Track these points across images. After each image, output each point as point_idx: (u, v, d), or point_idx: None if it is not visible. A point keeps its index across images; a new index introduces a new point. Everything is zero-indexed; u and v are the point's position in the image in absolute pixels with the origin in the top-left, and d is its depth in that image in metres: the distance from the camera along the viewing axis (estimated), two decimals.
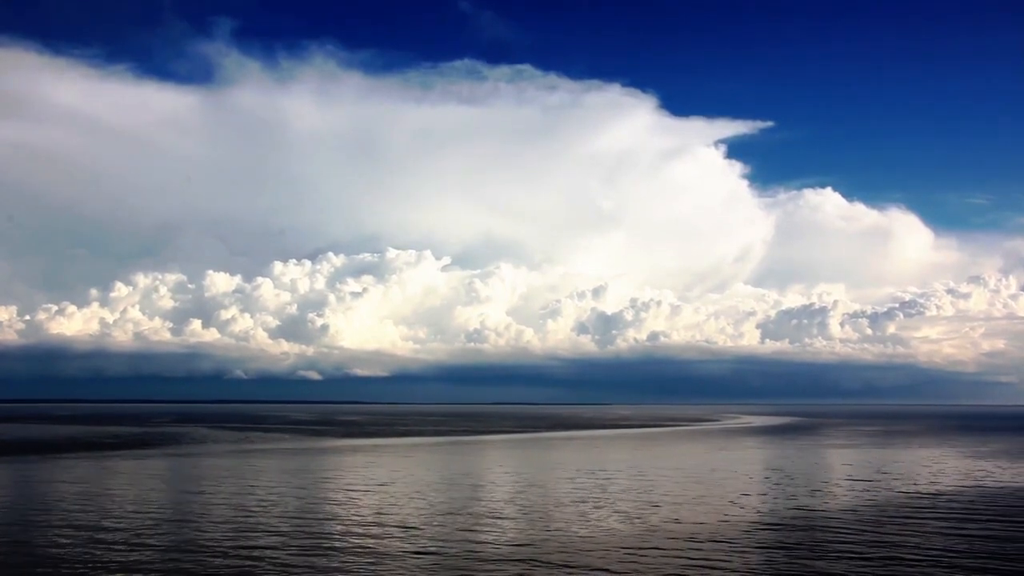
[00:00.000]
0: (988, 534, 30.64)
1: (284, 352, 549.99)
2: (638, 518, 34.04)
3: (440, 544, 28.45)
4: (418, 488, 44.62)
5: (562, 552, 27.02)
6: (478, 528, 31.69)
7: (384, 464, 62.83)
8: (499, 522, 33.12)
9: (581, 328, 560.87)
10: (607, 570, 24.57)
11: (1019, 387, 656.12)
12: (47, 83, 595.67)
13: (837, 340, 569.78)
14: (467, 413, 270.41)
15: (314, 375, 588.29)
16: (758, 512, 35.98)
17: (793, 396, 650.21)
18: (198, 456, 70.01)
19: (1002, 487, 46.15)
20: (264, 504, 38.00)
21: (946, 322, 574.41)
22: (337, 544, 28.42)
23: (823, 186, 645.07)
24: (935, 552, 27.20)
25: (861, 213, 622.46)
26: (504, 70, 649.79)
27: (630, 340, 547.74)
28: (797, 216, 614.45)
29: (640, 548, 27.71)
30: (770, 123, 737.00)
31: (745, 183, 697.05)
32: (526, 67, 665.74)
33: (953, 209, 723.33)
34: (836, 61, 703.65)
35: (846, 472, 55.07)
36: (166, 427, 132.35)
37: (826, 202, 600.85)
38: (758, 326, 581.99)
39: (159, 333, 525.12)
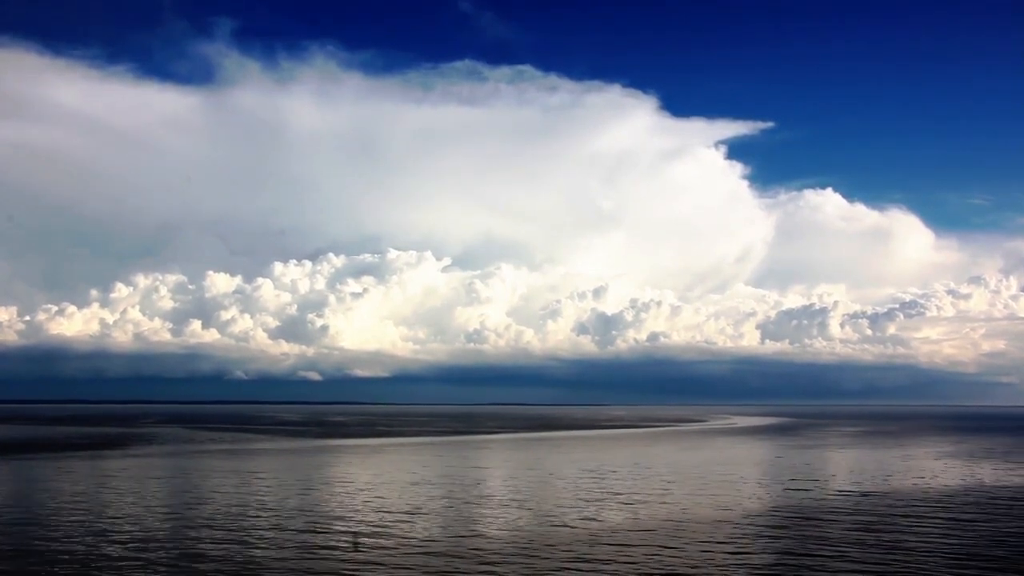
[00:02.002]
0: (888, 539, 30.39)
1: (284, 353, 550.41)
2: (548, 515, 33.88)
3: (349, 545, 28.28)
4: (360, 488, 44.51)
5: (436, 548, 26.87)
6: (397, 527, 31.52)
7: (342, 464, 62.70)
8: (419, 520, 32.95)
9: (581, 329, 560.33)
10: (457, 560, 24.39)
11: (1020, 388, 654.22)
12: (47, 83, 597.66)
13: (837, 341, 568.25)
14: (457, 414, 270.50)
15: (314, 376, 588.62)
16: (650, 512, 35.76)
17: (793, 397, 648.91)
18: (152, 457, 69.94)
19: (945, 487, 45.82)
20: (187, 503, 37.90)
21: (947, 323, 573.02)
22: (220, 544, 28.27)
23: (823, 187, 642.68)
24: (800, 555, 26.98)
25: (861, 213, 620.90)
26: (504, 71, 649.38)
27: (630, 341, 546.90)
28: (797, 216, 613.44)
29: (523, 546, 27.55)
30: (770, 124, 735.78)
31: (745, 184, 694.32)
32: (526, 68, 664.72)
33: (954, 209, 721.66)
34: (836, 61, 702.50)
35: (791, 472, 54.75)
36: (147, 428, 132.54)
37: (826, 203, 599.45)
38: (758, 326, 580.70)
39: (159, 334, 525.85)
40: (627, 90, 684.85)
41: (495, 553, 27.04)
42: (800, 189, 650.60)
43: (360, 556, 26.58)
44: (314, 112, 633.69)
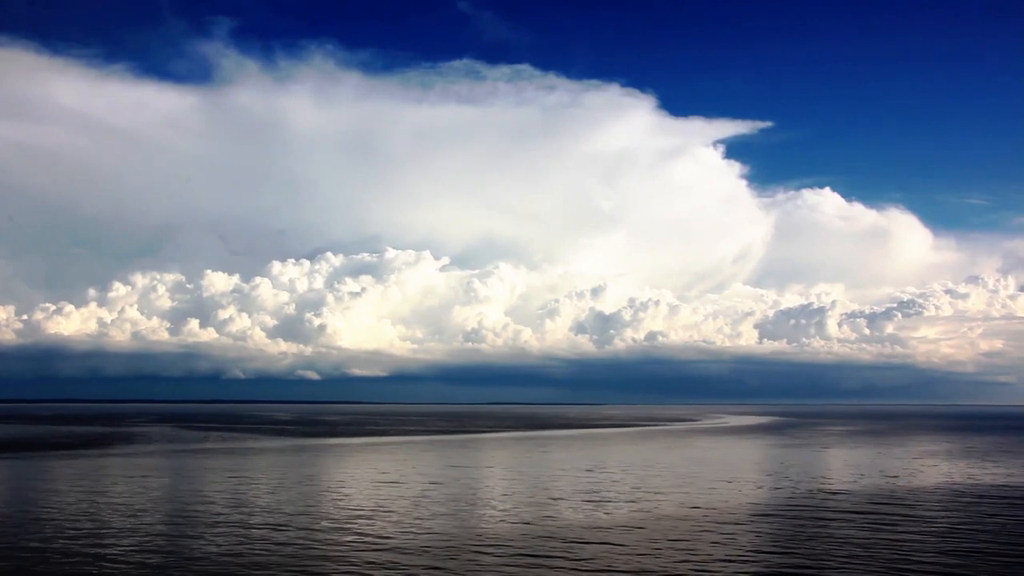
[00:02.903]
0: (826, 535, 30.40)
1: (282, 352, 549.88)
2: (503, 513, 33.91)
3: (292, 547, 28.28)
4: (326, 486, 44.53)
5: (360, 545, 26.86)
6: (334, 528, 31.51)
7: (317, 463, 62.68)
8: (359, 522, 32.96)
9: (579, 328, 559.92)
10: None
11: (1017, 387, 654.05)
12: (46, 83, 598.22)
13: (835, 340, 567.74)
14: (449, 413, 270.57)
15: (312, 375, 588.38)
16: (597, 511, 35.77)
17: (792, 396, 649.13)
18: (130, 456, 69.91)
19: (909, 486, 45.81)
20: (149, 501, 37.91)
21: (945, 322, 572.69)
22: (179, 544, 28.27)
23: (822, 186, 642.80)
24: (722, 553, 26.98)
25: (860, 213, 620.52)
26: (503, 70, 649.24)
27: (628, 340, 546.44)
28: (796, 216, 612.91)
29: (460, 544, 27.57)
30: (769, 123, 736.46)
31: (744, 183, 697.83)
32: (525, 67, 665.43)
33: (952, 209, 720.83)
34: (835, 61, 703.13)
35: (761, 470, 54.75)
36: (135, 427, 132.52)
37: (825, 202, 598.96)
38: (756, 326, 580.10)
39: (157, 333, 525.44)
40: (626, 89, 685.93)
41: (409, 552, 27.05)
42: (798, 188, 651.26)
43: (304, 552, 26.59)
44: (313, 111, 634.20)
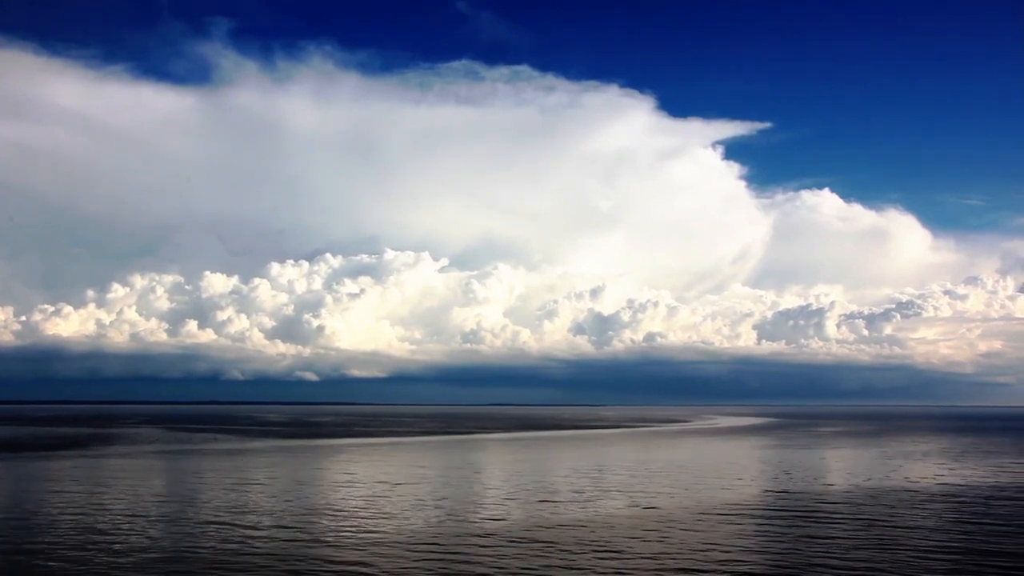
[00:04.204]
0: (780, 534, 30.33)
1: (281, 353, 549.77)
2: (454, 514, 33.86)
3: (245, 547, 28.25)
4: (286, 487, 44.50)
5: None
6: (288, 529, 31.48)
7: (290, 464, 62.60)
8: (313, 520, 32.91)
9: (578, 329, 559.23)
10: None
11: (1016, 388, 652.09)
12: (44, 83, 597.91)
13: (834, 341, 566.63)
14: (442, 414, 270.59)
15: (311, 376, 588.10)
16: (552, 510, 35.70)
17: (790, 397, 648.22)
18: (104, 457, 69.91)
19: (869, 488, 45.73)
20: (110, 499, 37.92)
21: (943, 323, 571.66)
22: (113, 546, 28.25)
23: (821, 187, 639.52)
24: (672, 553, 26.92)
25: (859, 214, 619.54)
26: (502, 71, 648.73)
27: (627, 341, 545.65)
28: (795, 217, 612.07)
29: (414, 543, 27.54)
30: (768, 124, 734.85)
31: (743, 184, 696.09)
32: (524, 68, 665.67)
33: (951, 210, 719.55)
34: (834, 62, 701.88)
35: (733, 470, 54.63)
36: (120, 429, 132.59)
37: (824, 203, 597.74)
38: (755, 327, 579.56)
39: (155, 334, 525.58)
40: (624, 90, 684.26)
41: (327, 552, 27.00)
42: (797, 189, 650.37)
43: (239, 551, 26.55)
44: (311, 112, 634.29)
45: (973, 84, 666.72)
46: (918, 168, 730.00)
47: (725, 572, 24.49)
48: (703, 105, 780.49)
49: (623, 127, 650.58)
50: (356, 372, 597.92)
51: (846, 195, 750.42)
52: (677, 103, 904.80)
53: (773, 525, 32.56)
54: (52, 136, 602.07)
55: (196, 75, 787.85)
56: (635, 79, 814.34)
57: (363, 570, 24.68)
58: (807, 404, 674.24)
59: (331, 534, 30.45)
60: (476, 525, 32.51)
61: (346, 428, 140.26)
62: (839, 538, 29.64)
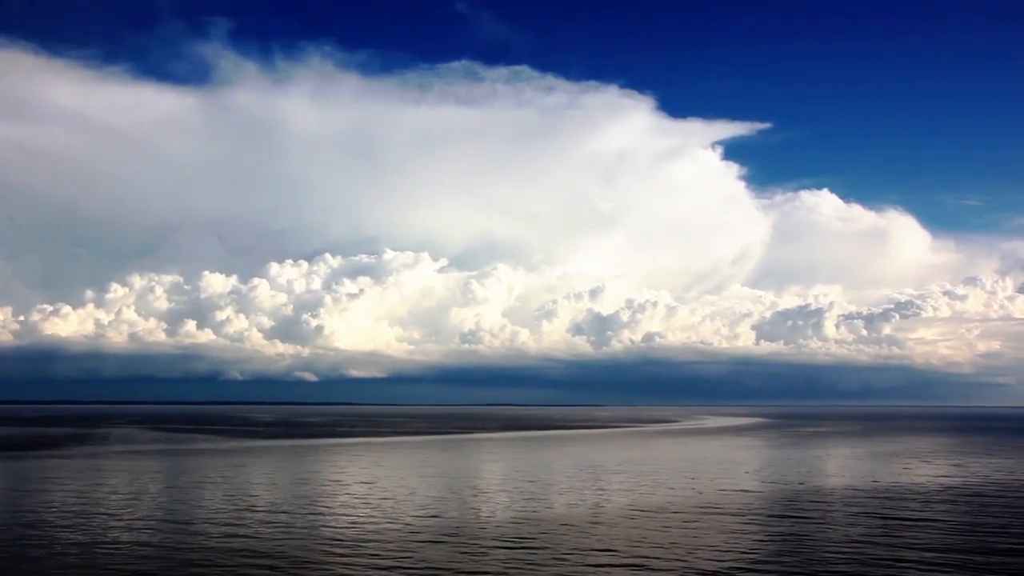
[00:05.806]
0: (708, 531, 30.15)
1: (279, 353, 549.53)
2: (416, 512, 33.77)
3: (202, 545, 28.11)
4: (246, 489, 44.39)
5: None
6: (246, 526, 31.33)
7: (258, 465, 62.50)
8: (268, 519, 32.78)
9: (576, 329, 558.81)
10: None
11: (1015, 388, 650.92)
12: (44, 84, 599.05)
13: (833, 341, 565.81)
14: (437, 414, 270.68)
15: (310, 376, 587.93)
16: (501, 509, 35.55)
17: (789, 398, 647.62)
18: (72, 458, 69.80)
19: (820, 487, 45.55)
20: (62, 500, 37.81)
21: (942, 323, 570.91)
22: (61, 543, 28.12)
23: (820, 187, 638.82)
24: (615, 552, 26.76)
25: (858, 214, 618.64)
26: (502, 71, 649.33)
27: (625, 341, 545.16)
28: (794, 217, 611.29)
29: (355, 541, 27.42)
30: (767, 124, 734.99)
31: (742, 184, 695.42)
32: (524, 68, 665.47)
33: (950, 210, 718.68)
34: (834, 62, 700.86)
35: (697, 471, 54.44)
36: (111, 428, 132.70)
37: (823, 203, 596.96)
38: (753, 327, 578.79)
39: (154, 334, 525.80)
40: (624, 91, 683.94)
41: (273, 552, 26.85)
42: (797, 190, 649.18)
43: (186, 552, 26.41)
44: (311, 112, 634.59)
45: (973, 84, 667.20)
46: (917, 168, 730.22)
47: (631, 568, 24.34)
48: (703, 105, 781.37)
49: (623, 127, 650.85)
50: (355, 372, 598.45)
51: (845, 195, 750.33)
52: (677, 103, 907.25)
53: (698, 523, 32.39)
54: (52, 136, 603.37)
55: (196, 75, 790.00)
56: (635, 79, 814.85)
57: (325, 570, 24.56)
58: (806, 404, 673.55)
59: (302, 533, 30.32)
60: (417, 524, 32.36)
61: (332, 428, 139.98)
62: (747, 534, 29.48)
